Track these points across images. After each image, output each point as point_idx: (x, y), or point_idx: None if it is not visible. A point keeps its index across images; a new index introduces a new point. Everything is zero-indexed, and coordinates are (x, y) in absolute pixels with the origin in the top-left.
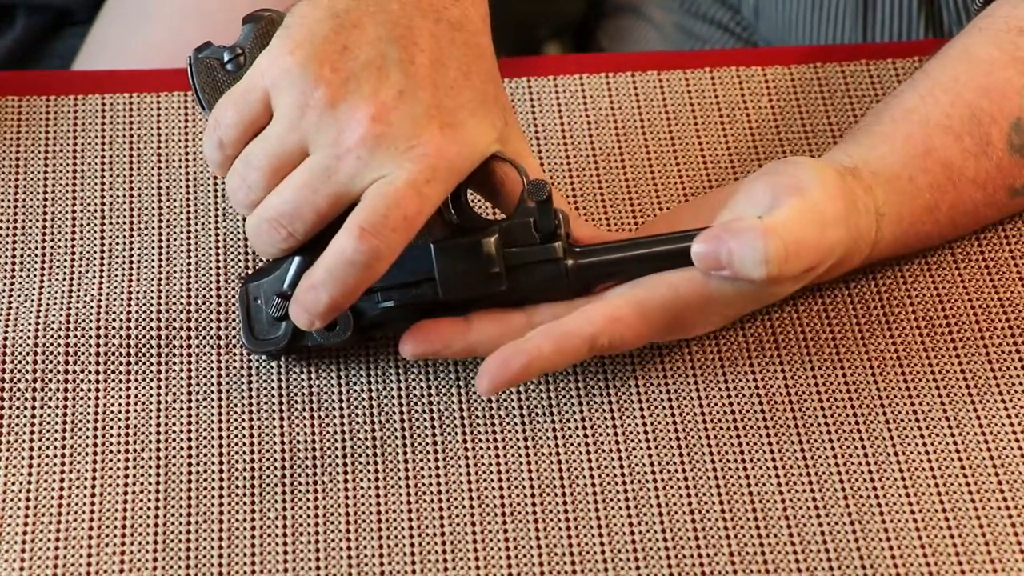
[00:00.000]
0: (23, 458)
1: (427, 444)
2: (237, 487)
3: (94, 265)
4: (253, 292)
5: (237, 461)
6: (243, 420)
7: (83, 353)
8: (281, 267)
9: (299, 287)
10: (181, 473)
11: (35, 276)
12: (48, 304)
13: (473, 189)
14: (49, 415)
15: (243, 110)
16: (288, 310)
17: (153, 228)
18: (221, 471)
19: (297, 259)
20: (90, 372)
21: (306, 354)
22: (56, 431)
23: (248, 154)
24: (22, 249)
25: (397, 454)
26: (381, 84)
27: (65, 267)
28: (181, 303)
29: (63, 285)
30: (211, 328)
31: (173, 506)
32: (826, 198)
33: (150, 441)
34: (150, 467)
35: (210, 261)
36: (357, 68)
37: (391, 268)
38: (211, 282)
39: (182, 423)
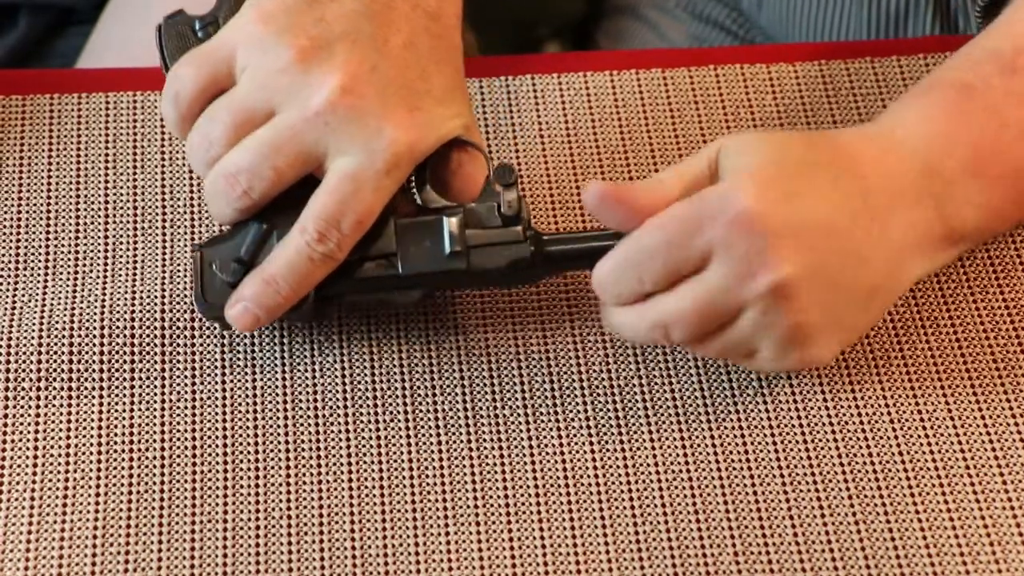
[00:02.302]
0: (27, 458)
1: (431, 444)
2: (241, 486)
3: (98, 263)
4: (208, 257)
5: (241, 461)
6: (247, 419)
7: (87, 352)
8: (237, 235)
9: (246, 283)
10: (185, 472)
11: (39, 274)
12: (52, 304)
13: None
14: (53, 414)
15: (204, 67)
16: (227, 311)
17: (157, 226)
18: (225, 470)
19: (255, 226)
20: (94, 371)
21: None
22: (60, 430)
23: (212, 109)
24: (26, 247)
25: (401, 453)
26: (354, 56)
27: (69, 265)
28: (185, 302)
29: (67, 284)
30: (215, 328)
31: (177, 506)
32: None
33: (154, 440)
34: (154, 466)
35: None
36: (332, 38)
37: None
38: None
39: (186, 422)
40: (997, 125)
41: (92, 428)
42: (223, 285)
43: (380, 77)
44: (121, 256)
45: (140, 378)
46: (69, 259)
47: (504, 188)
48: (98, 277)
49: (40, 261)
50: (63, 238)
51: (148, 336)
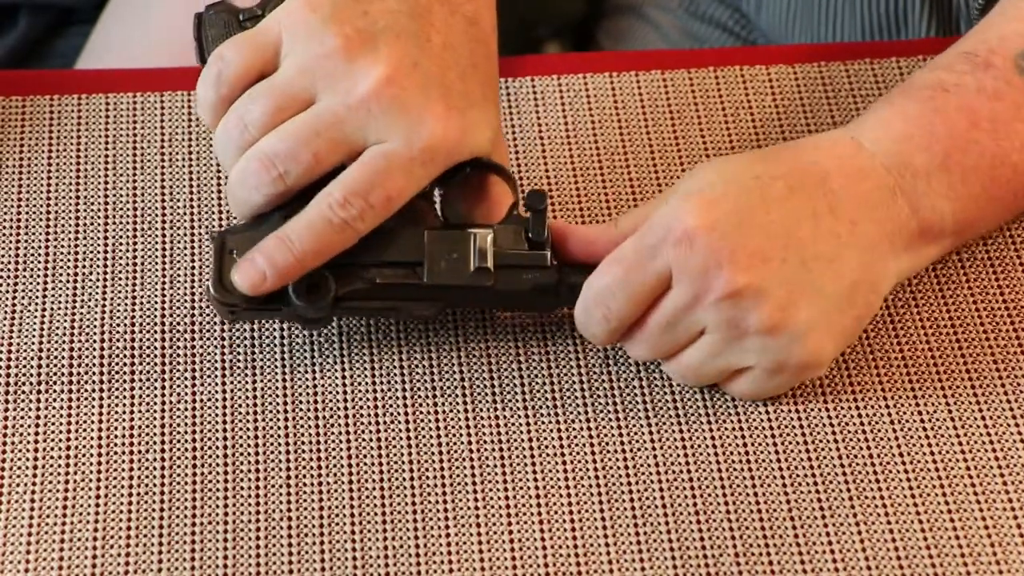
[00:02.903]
0: (27, 460)
1: (431, 444)
2: (242, 488)
3: (98, 266)
4: (230, 244)
5: (242, 463)
6: (247, 421)
7: (87, 354)
8: (261, 225)
9: (265, 240)
10: (186, 475)
11: (39, 276)
12: (52, 308)
13: (457, 193)
14: (53, 416)
15: (250, 50)
16: (235, 269)
17: (156, 228)
18: (226, 472)
19: (278, 217)
20: (94, 374)
21: (267, 316)
22: (61, 432)
23: (253, 91)
24: (25, 248)
25: (402, 455)
26: (397, 50)
27: (68, 267)
28: (185, 306)
29: (67, 287)
30: (215, 330)
31: (178, 508)
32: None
33: (154, 442)
34: (154, 468)
35: None
36: (376, 31)
37: (383, 245)
38: None
39: (186, 424)
40: (969, 120)
41: (92, 430)
42: None
43: (422, 73)
44: (121, 258)
45: (140, 379)
46: (69, 260)
47: (535, 213)
48: (98, 279)
49: (40, 261)
50: (63, 239)
51: (148, 337)
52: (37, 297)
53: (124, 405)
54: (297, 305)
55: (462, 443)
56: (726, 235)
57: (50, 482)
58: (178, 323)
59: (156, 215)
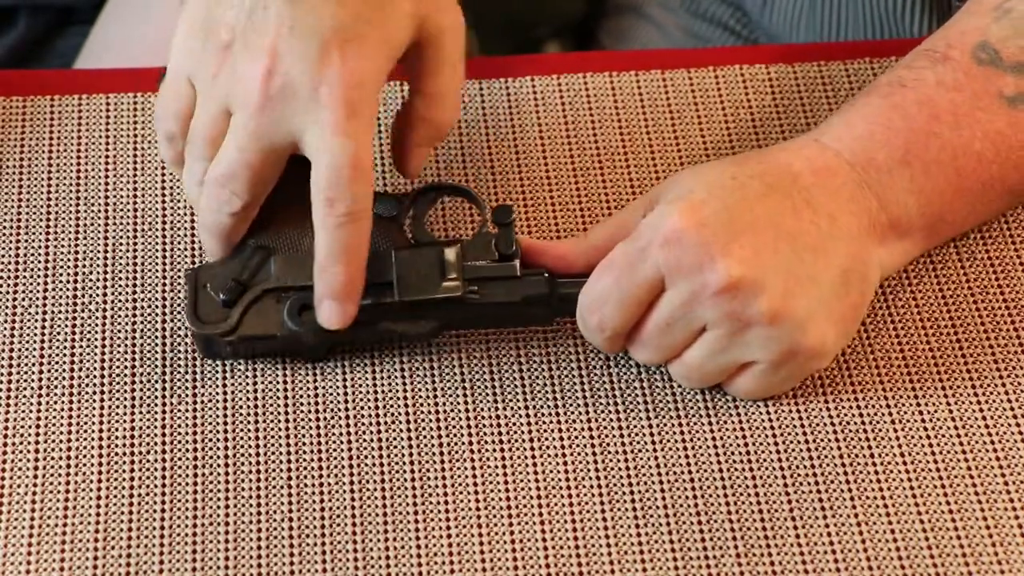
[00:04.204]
0: (28, 461)
1: (432, 446)
2: (242, 490)
3: (98, 266)
4: (203, 278)
5: (242, 464)
6: (248, 423)
7: (87, 355)
8: (235, 258)
9: (316, 291)
10: (186, 476)
11: (39, 276)
12: (53, 309)
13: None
14: (55, 418)
15: (171, 99)
16: (318, 317)
17: (157, 229)
18: (226, 474)
19: (253, 248)
20: (95, 375)
21: (250, 350)
22: (62, 434)
23: (189, 136)
24: (26, 249)
25: (403, 456)
26: (268, 26)
27: (69, 267)
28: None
29: (67, 287)
30: None
31: (179, 509)
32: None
33: (155, 443)
34: (155, 470)
35: None
36: (243, 17)
37: None
38: None
39: (187, 425)
40: (929, 114)
41: (93, 431)
42: (217, 306)
43: (300, 34)
44: (121, 258)
45: (140, 380)
46: (69, 261)
47: (502, 227)
48: (98, 279)
49: (40, 263)
50: (63, 240)
51: (148, 339)
52: (37, 298)
53: (125, 406)
54: (291, 328)
55: (463, 443)
56: (716, 231)
57: (51, 483)
58: (179, 324)
59: (156, 216)
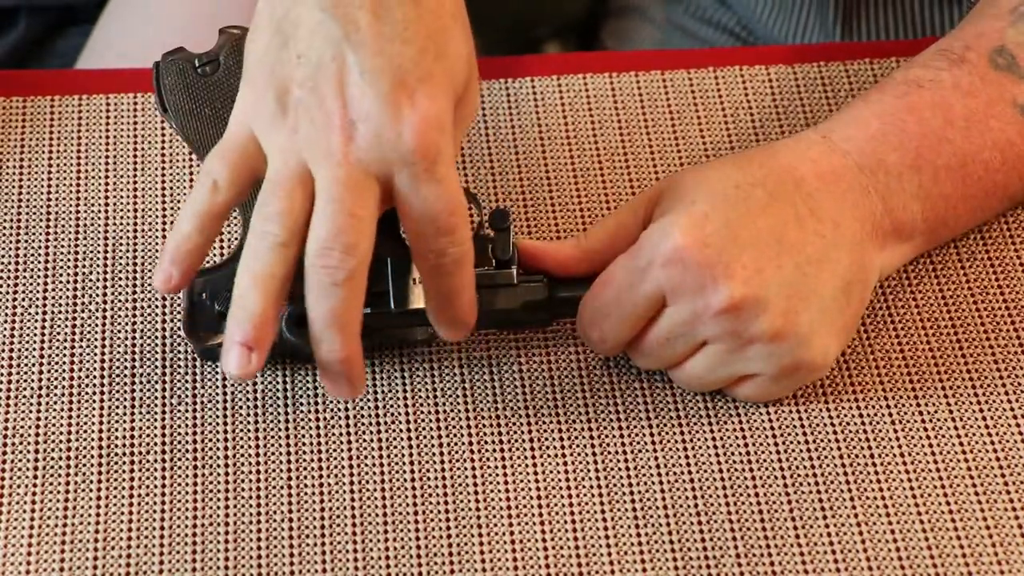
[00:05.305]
0: (28, 462)
1: (433, 446)
2: (242, 490)
3: (98, 266)
4: (198, 288)
5: (242, 464)
6: (248, 423)
7: (88, 355)
8: (231, 265)
9: (439, 332)
10: (186, 476)
11: (39, 276)
12: (53, 309)
13: None
14: (55, 418)
15: (235, 153)
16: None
17: (157, 229)
18: (226, 474)
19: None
20: (95, 375)
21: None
22: (62, 434)
23: (261, 195)
24: (26, 249)
25: (403, 456)
26: (340, 78)
27: (69, 268)
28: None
29: (67, 287)
30: None
31: (179, 509)
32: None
33: (155, 444)
34: (155, 470)
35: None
36: (312, 72)
37: None
38: None
39: (187, 425)
40: (943, 118)
41: (93, 431)
42: (215, 315)
43: (371, 79)
44: (121, 258)
45: (141, 380)
46: (69, 261)
47: (498, 232)
48: (98, 279)
49: (40, 263)
50: (63, 240)
51: (148, 339)
52: (37, 298)
53: (125, 407)
54: (289, 340)
55: (463, 444)
56: (720, 250)
57: (51, 483)
58: (178, 324)
59: (157, 216)
